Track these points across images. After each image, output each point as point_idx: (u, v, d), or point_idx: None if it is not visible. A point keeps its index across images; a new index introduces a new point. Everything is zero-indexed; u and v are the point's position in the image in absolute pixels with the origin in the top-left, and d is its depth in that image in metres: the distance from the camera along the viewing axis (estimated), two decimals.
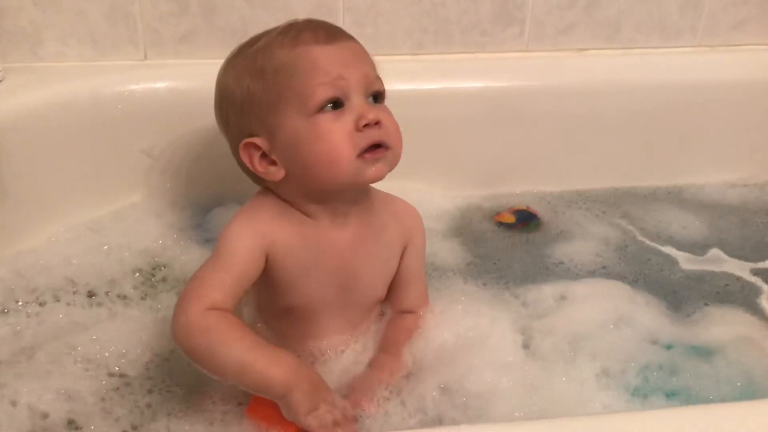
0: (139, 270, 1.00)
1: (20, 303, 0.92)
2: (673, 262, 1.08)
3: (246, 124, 0.78)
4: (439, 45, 1.18)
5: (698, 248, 1.10)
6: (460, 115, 1.17)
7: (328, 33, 0.77)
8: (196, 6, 1.09)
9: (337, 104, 0.74)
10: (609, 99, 1.20)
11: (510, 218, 1.16)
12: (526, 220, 1.16)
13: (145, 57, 1.12)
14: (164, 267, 1.01)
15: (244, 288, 0.76)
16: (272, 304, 0.82)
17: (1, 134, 0.97)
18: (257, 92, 0.76)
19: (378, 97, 0.78)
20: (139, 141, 1.09)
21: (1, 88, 1.03)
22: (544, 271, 1.04)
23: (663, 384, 0.82)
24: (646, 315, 0.92)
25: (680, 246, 1.11)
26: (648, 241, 1.12)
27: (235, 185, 1.05)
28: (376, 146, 0.75)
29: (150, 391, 0.82)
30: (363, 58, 0.78)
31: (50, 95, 1.04)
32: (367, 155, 0.74)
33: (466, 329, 0.89)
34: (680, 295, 1.01)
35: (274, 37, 0.77)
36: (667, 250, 1.10)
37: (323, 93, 0.74)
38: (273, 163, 0.77)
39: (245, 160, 0.78)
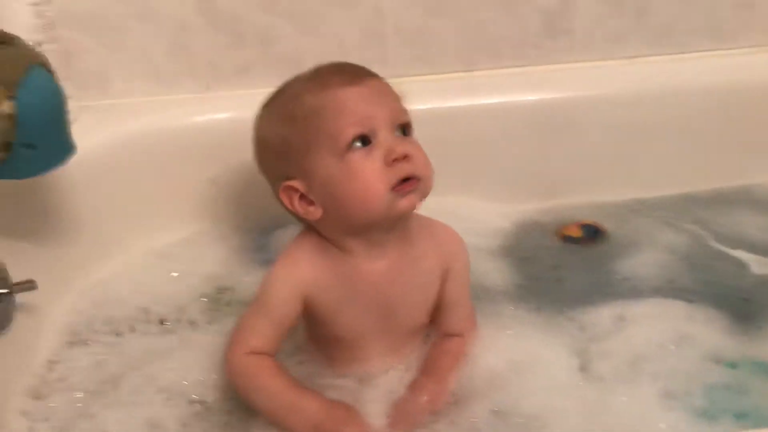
0: (206, 294, 1.04)
1: (98, 333, 0.97)
2: (743, 266, 1.06)
3: (283, 168, 0.82)
4: (490, 60, 1.20)
5: None
6: (514, 129, 1.18)
7: (353, 74, 0.80)
8: (253, 38, 1.14)
9: (365, 141, 0.77)
10: (662, 104, 1.19)
11: (577, 232, 1.15)
12: (593, 236, 1.15)
13: (207, 89, 1.17)
14: (229, 290, 1.05)
15: (285, 330, 0.83)
16: (317, 333, 0.88)
17: (78, 171, 1.01)
18: (291, 138, 0.80)
19: (405, 129, 0.81)
20: (204, 170, 1.14)
21: (75, 127, 1.08)
22: (605, 290, 1.02)
23: (731, 405, 0.81)
24: (708, 332, 0.91)
25: (752, 249, 1.08)
26: (720, 246, 1.10)
27: None
28: (407, 179, 0.77)
29: (229, 413, 0.86)
30: (388, 94, 0.81)
31: (120, 132, 1.10)
32: (399, 188, 0.77)
33: (517, 354, 0.90)
34: (750, 304, 0.99)
35: (302, 83, 0.82)
36: (738, 254, 1.08)
37: (351, 131, 0.77)
38: (311, 203, 0.80)
39: (285, 202, 0.82)
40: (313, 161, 0.79)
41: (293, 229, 1.03)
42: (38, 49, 0.96)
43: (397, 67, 1.18)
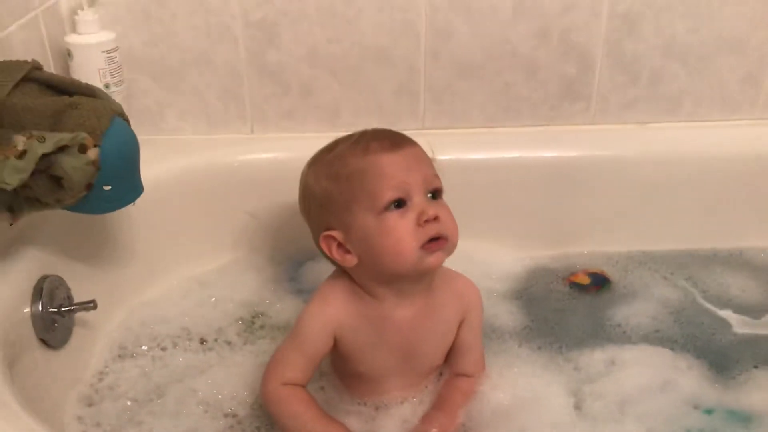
0: (242, 318, 1.14)
1: (145, 348, 1.08)
2: (726, 325, 1.14)
3: (325, 218, 0.91)
4: (511, 119, 1.30)
5: (755, 312, 1.17)
6: (530, 182, 1.28)
7: (393, 142, 0.90)
8: (296, 88, 1.25)
9: (401, 203, 0.87)
10: (669, 167, 1.28)
11: (585, 279, 1.24)
12: (600, 283, 1.23)
13: (252, 131, 1.28)
14: (262, 315, 1.15)
15: (317, 363, 0.93)
16: (343, 368, 0.97)
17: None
18: (334, 193, 0.90)
19: (436, 193, 0.90)
20: (245, 204, 1.24)
21: None
22: (600, 334, 1.12)
23: None
24: (689, 379, 1.00)
25: (738, 309, 1.17)
26: (707, 304, 1.19)
27: None
28: (436, 238, 0.86)
29: (258, 428, 0.96)
30: (423, 161, 0.90)
31: (171, 166, 1.20)
32: (428, 246, 0.86)
33: (521, 391, 1.00)
34: (729, 358, 1.07)
35: (348, 146, 0.91)
36: (724, 313, 1.17)
37: (389, 195, 0.86)
38: (348, 252, 0.89)
39: (324, 248, 0.91)
40: (352, 216, 0.88)
41: (323, 263, 1.11)
42: (107, 90, 1.09)
43: (426, 120, 1.30)
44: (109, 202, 0.86)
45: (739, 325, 1.14)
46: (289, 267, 1.25)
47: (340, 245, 0.90)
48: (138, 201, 1.11)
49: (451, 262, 1.02)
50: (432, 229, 0.86)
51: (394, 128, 1.23)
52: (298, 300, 1.17)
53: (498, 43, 1.24)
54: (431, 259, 0.87)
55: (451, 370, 1.00)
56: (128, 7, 1.17)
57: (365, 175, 0.88)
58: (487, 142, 1.29)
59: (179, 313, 1.14)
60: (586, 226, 1.31)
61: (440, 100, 1.28)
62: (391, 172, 0.87)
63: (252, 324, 1.14)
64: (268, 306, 1.17)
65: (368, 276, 0.91)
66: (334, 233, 0.90)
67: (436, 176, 0.91)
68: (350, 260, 0.90)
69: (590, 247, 1.31)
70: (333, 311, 0.92)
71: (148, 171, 1.15)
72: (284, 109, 1.27)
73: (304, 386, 0.92)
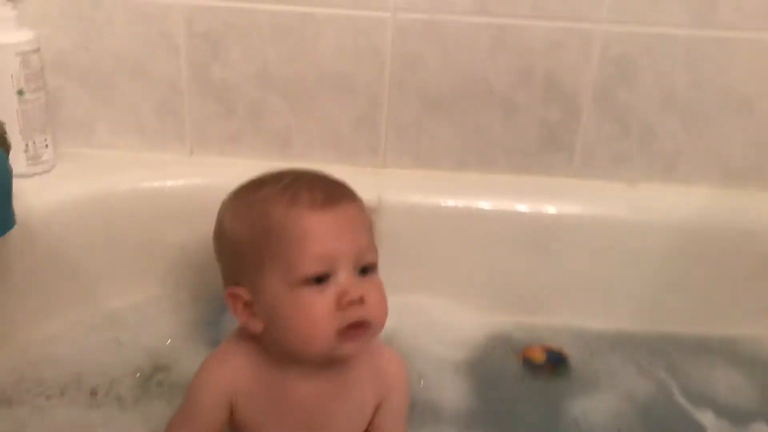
0: (141, 370, 1.00)
1: (27, 394, 0.93)
2: (701, 430, 0.97)
3: (234, 270, 0.79)
4: (483, 164, 1.16)
5: (740, 418, 0.99)
6: (499, 236, 1.13)
7: (327, 196, 0.75)
8: (243, 110, 1.11)
9: (322, 278, 0.73)
10: (658, 235, 1.12)
11: (540, 356, 1.09)
12: (556, 361, 1.08)
13: (191, 153, 1.15)
14: (165, 370, 1.00)
15: None
16: None
17: (39, 224, 1.00)
18: (247, 245, 0.76)
19: (368, 268, 0.76)
20: (174, 234, 1.10)
21: (49, 176, 1.07)
22: (552, 428, 0.97)
23: None
24: None
25: (720, 412, 1.00)
26: (684, 402, 1.02)
27: None
28: (357, 324, 0.73)
29: None
30: (358, 227, 0.76)
31: (92, 187, 1.07)
32: (346, 333, 0.73)
33: None
34: None
35: (276, 189, 0.76)
36: (703, 416, 0.99)
37: (309, 267, 0.72)
38: (254, 315, 0.76)
39: (229, 304, 0.78)
40: (262, 279, 0.74)
41: None
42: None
43: (387, 157, 1.16)
44: None
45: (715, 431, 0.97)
46: (211, 309, 1.09)
47: (246, 305, 0.77)
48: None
49: (404, 320, 0.88)
50: (353, 314, 0.72)
51: (351, 164, 1.14)
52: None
53: (473, 78, 1.09)
54: (348, 347, 0.74)
55: None
56: (59, 4, 1.04)
57: (286, 234, 0.73)
58: (454, 187, 1.14)
59: (75, 355, 0.99)
60: (558, 293, 1.15)
61: (404, 137, 1.14)
62: (317, 238, 0.73)
63: (150, 379, 0.99)
64: (175, 357, 1.02)
65: (273, 345, 0.78)
66: (240, 291, 0.76)
67: (371, 248, 0.77)
68: (255, 326, 0.77)
69: (560, 318, 1.15)
70: (229, 376, 0.78)
71: (66, 187, 1.06)
72: (228, 132, 1.13)
73: None
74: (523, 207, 1.14)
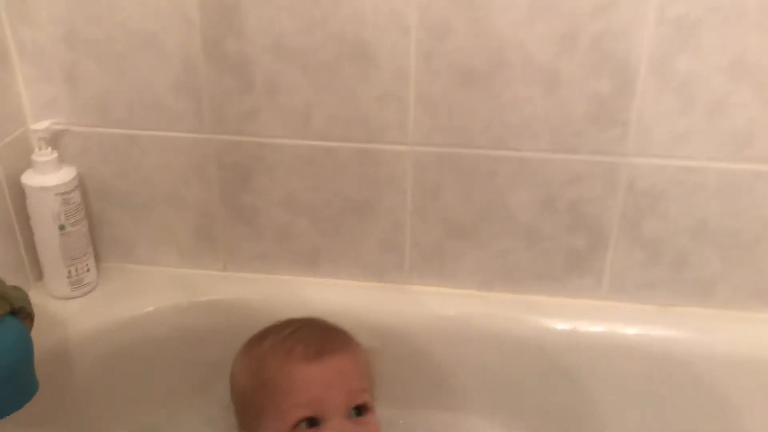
0: None
1: None
2: None
3: (241, 417, 0.86)
4: (508, 286, 1.15)
5: None
6: (527, 356, 1.12)
7: (320, 348, 0.82)
8: (271, 231, 1.15)
9: (313, 422, 0.78)
10: (695, 366, 1.08)
11: None
12: None
13: (224, 268, 1.20)
14: None
15: None
16: None
17: (82, 346, 1.07)
18: (248, 396, 0.83)
19: (362, 409, 0.81)
20: (210, 351, 1.13)
21: (91, 297, 1.15)
22: None
23: None
24: None
25: None
26: None
27: None
28: None
29: None
30: (349, 374, 0.81)
31: (132, 307, 1.13)
32: None
33: None
34: None
35: (275, 342, 0.84)
36: None
37: (297, 413, 0.79)
38: None
39: None
40: (261, 427, 0.81)
41: None
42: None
43: (413, 276, 1.17)
44: None
45: None
46: None
47: None
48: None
49: None
50: None
51: (379, 281, 1.15)
52: None
53: (494, 206, 1.09)
54: None
55: None
56: (97, 140, 1.11)
57: (277, 387, 0.81)
58: (477, 307, 1.14)
59: None
60: (589, 419, 1.13)
61: (428, 258, 1.15)
62: (303, 388, 0.79)
63: None
64: None
65: None
66: None
67: (364, 390, 0.82)
68: None
69: None
70: None
71: (108, 311, 1.12)
72: (257, 250, 1.18)
73: None
74: (551, 325, 1.12)
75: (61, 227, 1.07)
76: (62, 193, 1.05)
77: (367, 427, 0.81)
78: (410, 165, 1.07)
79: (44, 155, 1.04)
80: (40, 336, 0.84)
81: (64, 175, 1.06)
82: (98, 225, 1.17)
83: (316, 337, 0.85)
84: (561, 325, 1.13)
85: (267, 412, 0.81)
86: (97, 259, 1.18)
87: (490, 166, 1.06)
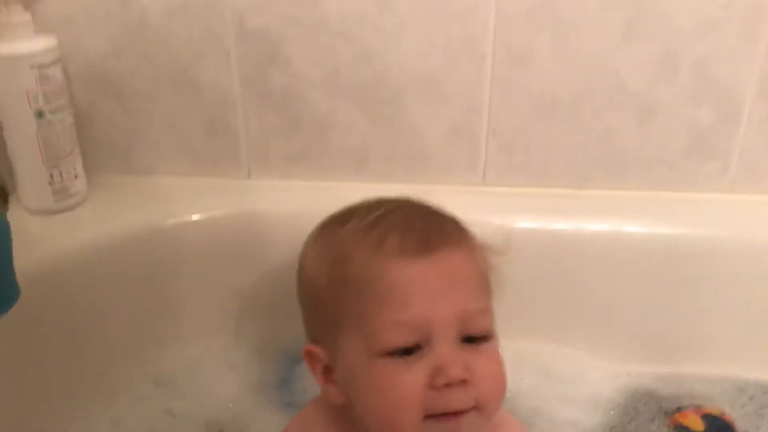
0: None
1: None
2: None
3: (312, 323, 0.64)
4: (610, 179, 0.92)
5: None
6: (636, 266, 0.90)
7: (423, 239, 0.56)
8: (309, 125, 0.91)
9: (411, 349, 0.55)
10: None
11: (697, 423, 0.85)
12: (719, 431, 0.85)
13: (249, 176, 0.95)
14: None
15: None
16: None
17: (69, 270, 0.82)
18: (325, 296, 0.59)
19: (478, 337, 0.57)
20: (230, 275, 0.91)
21: (80, 212, 0.89)
22: None
23: None
24: None
25: None
26: None
27: None
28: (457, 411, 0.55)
29: None
30: (464, 282, 0.57)
31: (132, 223, 0.88)
32: (442, 420, 0.55)
33: None
34: None
35: (359, 228, 0.58)
36: None
37: (393, 337, 0.55)
38: (334, 381, 0.62)
39: (308, 364, 0.64)
40: (339, 340, 0.59)
41: None
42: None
43: (488, 174, 0.93)
44: None
45: None
46: (282, 364, 0.91)
47: (326, 369, 0.62)
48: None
49: (519, 374, 0.75)
50: (451, 399, 0.55)
51: (446, 181, 0.92)
52: (285, 417, 0.81)
53: (599, 70, 0.85)
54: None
55: None
56: (83, 3, 0.85)
57: (367, 288, 0.56)
58: (573, 208, 0.92)
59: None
60: (713, 335, 0.92)
61: (510, 148, 0.91)
62: (406, 299, 0.55)
63: None
64: (242, 427, 0.84)
65: (357, 420, 0.60)
66: (319, 351, 0.62)
67: (483, 310, 0.58)
68: (335, 396, 0.61)
69: (715, 368, 0.92)
70: None
71: (101, 225, 0.87)
72: (291, 149, 0.93)
73: None
74: (662, 229, 0.90)
75: (39, 114, 0.81)
76: (39, 66, 0.80)
77: (485, 360, 0.57)
78: (492, 20, 0.83)
79: (16, 14, 0.79)
80: (14, 259, 0.59)
81: (41, 42, 0.81)
82: (86, 124, 0.92)
83: (419, 221, 0.60)
84: (679, 228, 0.90)
85: (350, 323, 0.58)
86: (86, 170, 0.92)
87: (598, 17, 0.82)
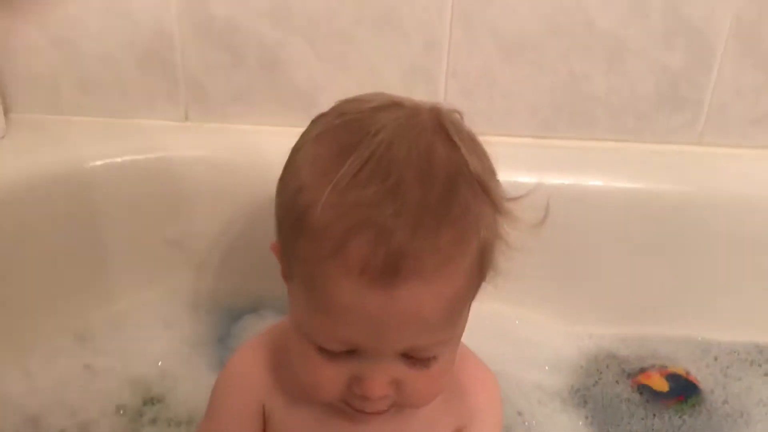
0: (125, 406, 0.76)
1: None
2: None
3: (278, 223, 0.54)
4: (577, 128, 0.88)
5: None
6: (597, 223, 0.87)
7: (390, 265, 0.45)
8: (253, 61, 0.84)
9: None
10: None
11: (661, 383, 0.84)
12: (683, 392, 0.83)
13: (186, 117, 0.88)
14: (159, 402, 0.78)
15: None
16: None
17: None
18: (285, 221, 0.51)
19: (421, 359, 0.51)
20: (167, 225, 0.85)
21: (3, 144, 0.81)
22: None
23: None
24: None
25: None
26: None
27: (276, 288, 0.81)
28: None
29: None
30: (422, 322, 0.48)
31: (55, 161, 0.81)
32: (356, 412, 0.54)
33: None
34: None
35: (352, 169, 0.47)
36: None
37: (328, 344, 0.50)
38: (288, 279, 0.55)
39: (274, 252, 0.56)
40: (291, 282, 0.53)
41: (269, 318, 0.84)
42: None
43: None
44: None
45: None
46: (218, 320, 0.87)
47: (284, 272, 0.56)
48: None
49: (482, 337, 0.65)
50: (366, 405, 0.53)
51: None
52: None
53: (566, 6, 0.81)
54: (359, 416, 0.54)
55: None
56: None
57: (318, 285, 0.48)
58: (535, 158, 0.87)
59: (32, 391, 0.75)
60: (676, 296, 0.90)
61: (470, 94, 0.86)
62: (353, 326, 0.48)
63: (138, 417, 0.76)
64: (171, 386, 0.79)
65: None
66: (279, 254, 0.55)
67: (435, 344, 0.50)
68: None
69: (679, 329, 0.91)
70: (265, 377, 0.60)
71: (19, 164, 0.79)
72: (233, 88, 0.86)
73: None
74: (628, 184, 0.88)
75: None
76: None
77: (421, 374, 0.51)
78: None
79: None
80: None
81: None
82: (3, 54, 0.82)
83: (405, 220, 0.46)
84: (643, 182, 0.87)
85: (298, 277, 0.51)
86: (8, 109, 0.85)
87: None
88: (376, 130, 0.48)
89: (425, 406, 0.55)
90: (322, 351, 0.50)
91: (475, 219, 0.48)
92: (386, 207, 0.45)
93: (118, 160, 0.82)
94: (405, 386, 0.51)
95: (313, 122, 0.55)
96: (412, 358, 0.50)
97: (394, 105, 0.52)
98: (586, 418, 0.81)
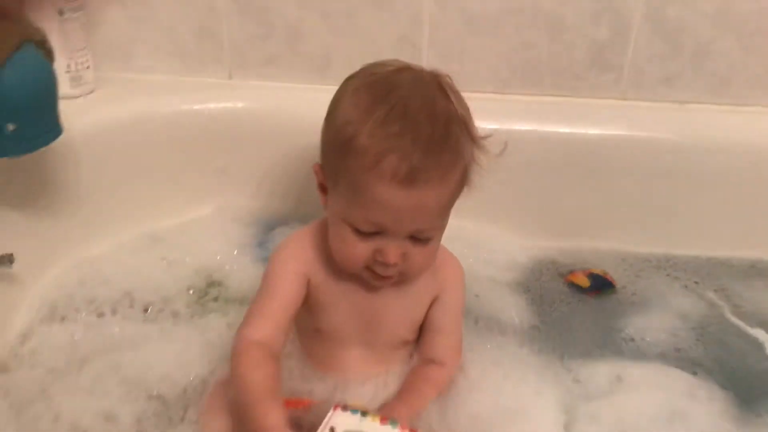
0: (194, 287, 1.01)
1: (79, 312, 0.95)
2: (759, 347, 0.97)
3: (324, 149, 0.77)
4: (527, 86, 1.13)
5: None
6: (544, 161, 1.11)
7: (411, 174, 0.69)
8: (281, 31, 1.09)
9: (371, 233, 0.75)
10: (710, 157, 1.09)
11: (584, 281, 1.07)
12: (600, 287, 1.07)
13: (230, 77, 1.14)
14: (218, 285, 1.02)
15: (291, 312, 0.80)
16: (305, 322, 0.85)
17: (84, 144, 1.01)
18: (337, 144, 0.73)
19: (421, 237, 0.75)
20: (216, 158, 1.11)
21: (91, 98, 1.07)
22: (609, 345, 0.97)
23: None
24: (704, 413, 0.84)
25: None
26: (736, 321, 1.01)
27: (301, 206, 1.10)
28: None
29: (183, 417, 0.83)
30: (427, 213, 0.73)
31: (135, 109, 1.07)
32: (375, 276, 0.77)
33: (506, 398, 0.85)
34: (757, 388, 0.90)
35: (376, 123, 0.70)
36: (756, 332, 0.98)
37: (363, 226, 0.74)
38: (325, 197, 0.79)
39: (315, 175, 0.79)
40: (335, 189, 0.76)
41: (295, 228, 1.01)
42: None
43: None
44: (17, 144, 0.73)
45: None
46: (258, 230, 1.11)
47: (323, 186, 0.79)
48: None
49: (453, 242, 0.87)
50: (382, 270, 0.76)
51: None
52: (261, 269, 1.01)
53: None
54: (376, 282, 0.79)
55: (419, 354, 0.87)
56: None
57: (360, 187, 0.72)
58: (497, 110, 1.10)
59: (124, 275, 1.01)
60: (605, 218, 1.13)
61: (446, 57, 1.10)
62: (382, 211, 0.72)
63: (205, 295, 1.01)
64: (227, 274, 1.04)
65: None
66: (321, 175, 0.78)
67: (433, 227, 0.76)
68: (325, 205, 0.79)
69: (605, 242, 1.14)
70: (305, 254, 0.81)
71: (108, 111, 1.05)
72: (266, 54, 1.12)
73: (274, 347, 0.77)
74: (567, 129, 1.11)
75: (61, 11, 0.98)
76: None
77: (421, 249, 0.75)
78: None
79: None
80: None
81: None
82: (92, 26, 1.08)
83: (420, 145, 0.69)
84: (578, 127, 1.11)
85: (342, 184, 0.74)
86: (95, 68, 1.10)
87: None
88: (398, 86, 0.72)
89: (419, 276, 0.79)
90: (357, 232, 0.74)
91: (462, 148, 0.73)
92: (407, 137, 0.69)
93: (183, 107, 1.08)
94: (409, 258, 0.75)
95: (348, 80, 0.77)
96: (416, 238, 0.74)
97: (406, 68, 0.76)
98: (527, 302, 1.03)
